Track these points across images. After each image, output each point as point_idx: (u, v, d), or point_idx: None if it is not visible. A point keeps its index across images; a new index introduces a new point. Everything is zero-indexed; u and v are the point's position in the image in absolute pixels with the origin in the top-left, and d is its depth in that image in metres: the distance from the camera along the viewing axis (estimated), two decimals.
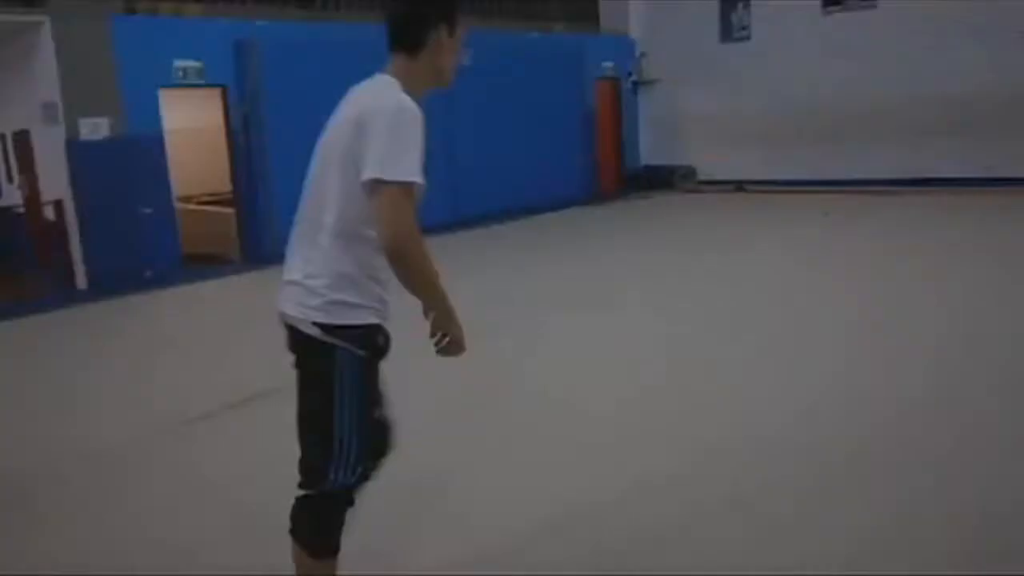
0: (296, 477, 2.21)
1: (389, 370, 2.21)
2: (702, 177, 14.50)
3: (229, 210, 10.14)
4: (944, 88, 11.76)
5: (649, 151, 15.30)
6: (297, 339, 2.12)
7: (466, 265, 9.11)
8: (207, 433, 4.54)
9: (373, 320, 2.10)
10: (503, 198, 12.07)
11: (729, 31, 14.11)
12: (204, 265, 9.68)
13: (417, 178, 1.93)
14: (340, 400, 2.08)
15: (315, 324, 2.05)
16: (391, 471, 2.29)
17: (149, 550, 3.23)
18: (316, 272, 2.06)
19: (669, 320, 6.23)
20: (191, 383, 5.45)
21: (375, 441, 2.18)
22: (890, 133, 12.38)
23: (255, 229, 9.92)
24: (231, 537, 3.29)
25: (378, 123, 1.95)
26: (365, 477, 2.18)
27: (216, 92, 9.70)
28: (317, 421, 2.12)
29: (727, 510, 3.21)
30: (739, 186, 13.86)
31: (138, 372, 5.85)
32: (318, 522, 2.18)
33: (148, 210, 8.90)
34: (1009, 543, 2.85)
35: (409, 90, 2.05)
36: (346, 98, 2.17)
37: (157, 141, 9.02)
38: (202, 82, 9.47)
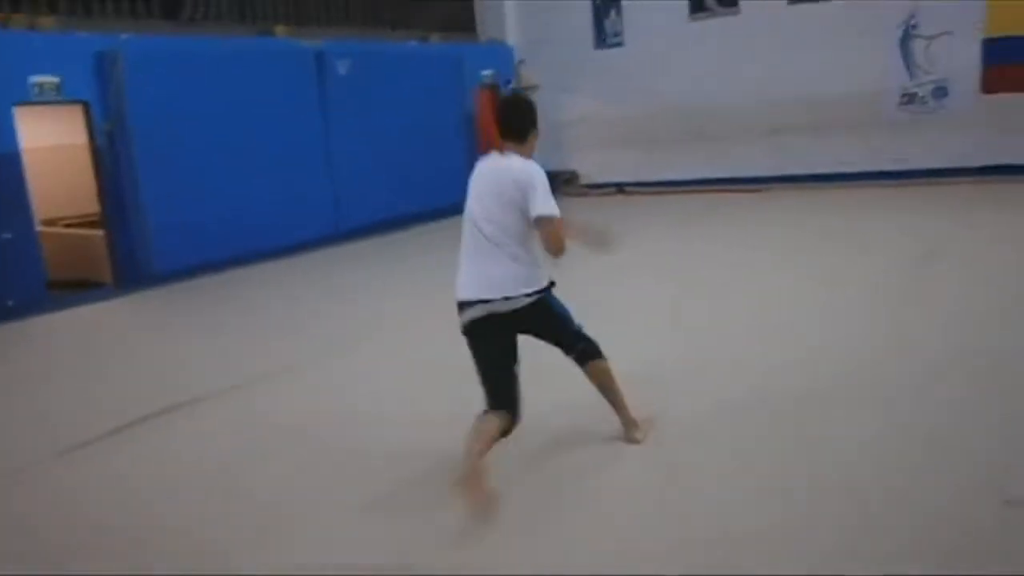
0: None
1: None
2: (584, 181, 14.79)
3: (98, 232, 9.64)
4: (803, 89, 12.43)
5: (532, 156, 15.46)
6: (511, 312, 3.56)
7: (349, 285, 9.01)
8: (81, 465, 4.31)
9: (548, 278, 3.69)
10: (386, 209, 11.96)
11: (603, 38, 14.47)
12: (74, 291, 9.17)
13: (559, 213, 3.54)
14: (561, 310, 3.77)
15: (530, 294, 3.58)
16: None
17: None
18: (517, 271, 3.56)
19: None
20: (59, 414, 5.17)
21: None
22: (756, 132, 12.97)
23: (127, 251, 9.45)
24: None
25: (534, 182, 3.53)
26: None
27: (77, 108, 9.21)
28: (560, 322, 3.78)
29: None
30: (620, 188, 14.23)
31: (2, 405, 5.49)
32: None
33: (7, 235, 8.36)
34: None
35: None
36: (489, 167, 3.72)
37: (13, 161, 8.47)
38: (61, 98, 8.96)
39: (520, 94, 4.15)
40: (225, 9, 11.02)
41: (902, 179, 11.71)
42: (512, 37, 15.27)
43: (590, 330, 3.84)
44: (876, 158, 12.08)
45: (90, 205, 9.83)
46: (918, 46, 11.77)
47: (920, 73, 11.80)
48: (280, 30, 11.41)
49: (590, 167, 14.71)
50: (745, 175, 12.99)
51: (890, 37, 11.86)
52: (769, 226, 9.87)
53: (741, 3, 12.99)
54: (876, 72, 11.94)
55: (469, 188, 3.70)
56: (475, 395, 3.61)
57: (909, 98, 11.93)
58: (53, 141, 10.10)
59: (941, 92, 11.72)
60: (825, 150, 12.45)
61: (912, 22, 11.74)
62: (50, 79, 8.79)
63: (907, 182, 11.57)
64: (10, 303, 8.25)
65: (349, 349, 6.17)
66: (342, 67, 11.37)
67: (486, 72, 14.67)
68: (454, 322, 3.66)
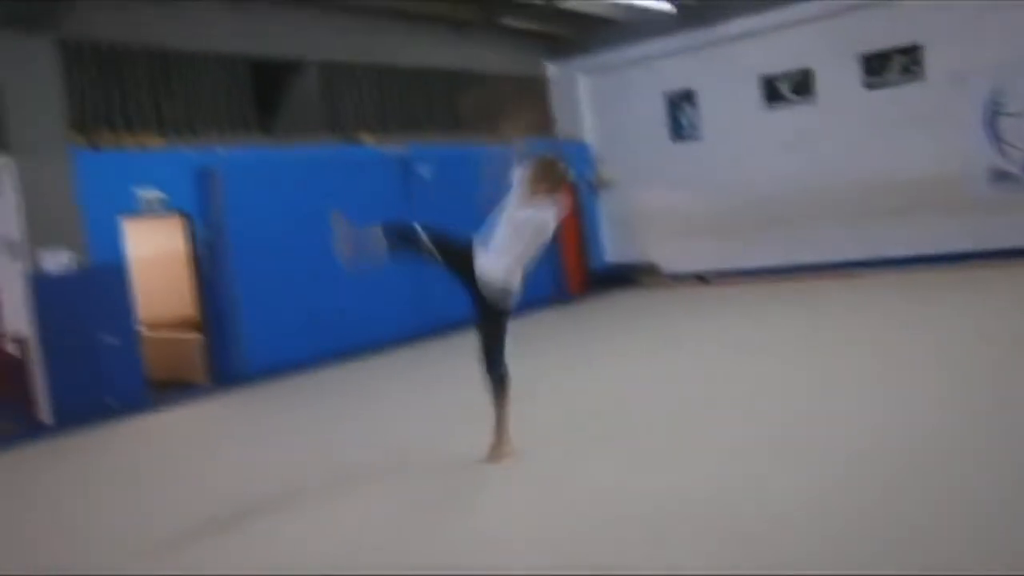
0: None
1: None
2: (665, 271, 14.73)
3: (196, 335, 10.07)
4: (884, 171, 12.25)
5: (612, 250, 15.56)
6: None
7: (432, 380, 9.11)
8: (179, 559, 4.38)
9: None
10: (468, 306, 12.09)
11: (679, 131, 14.63)
12: (172, 391, 9.53)
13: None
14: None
15: None
16: None
17: None
18: None
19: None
20: (160, 511, 5.29)
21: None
22: (838, 217, 12.78)
23: (222, 353, 9.83)
24: None
25: None
26: None
27: (178, 219, 9.79)
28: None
29: None
30: (701, 278, 14.11)
31: (107, 502, 5.69)
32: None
33: (112, 339, 8.80)
34: None
35: None
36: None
37: (120, 271, 9.01)
38: (165, 211, 9.56)
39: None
40: (314, 120, 11.66)
41: (994, 259, 11.28)
42: (589, 134, 15.60)
43: None
44: (966, 238, 11.70)
45: (188, 309, 10.31)
46: (1007, 123, 11.52)
47: (1010, 150, 11.52)
48: (366, 138, 11.96)
49: (671, 258, 14.66)
50: (830, 260, 12.74)
51: (974, 116, 11.65)
52: (862, 313, 9.56)
53: (817, 90, 13.03)
54: (961, 151, 11.72)
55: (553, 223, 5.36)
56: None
57: (1000, 176, 11.61)
58: (157, 250, 10.71)
59: None
60: (912, 231, 12.16)
61: (997, 99, 11.53)
62: (156, 193, 9.40)
63: (999, 262, 11.13)
64: (114, 403, 8.63)
65: (445, 437, 6.23)
66: (425, 171, 11.80)
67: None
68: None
